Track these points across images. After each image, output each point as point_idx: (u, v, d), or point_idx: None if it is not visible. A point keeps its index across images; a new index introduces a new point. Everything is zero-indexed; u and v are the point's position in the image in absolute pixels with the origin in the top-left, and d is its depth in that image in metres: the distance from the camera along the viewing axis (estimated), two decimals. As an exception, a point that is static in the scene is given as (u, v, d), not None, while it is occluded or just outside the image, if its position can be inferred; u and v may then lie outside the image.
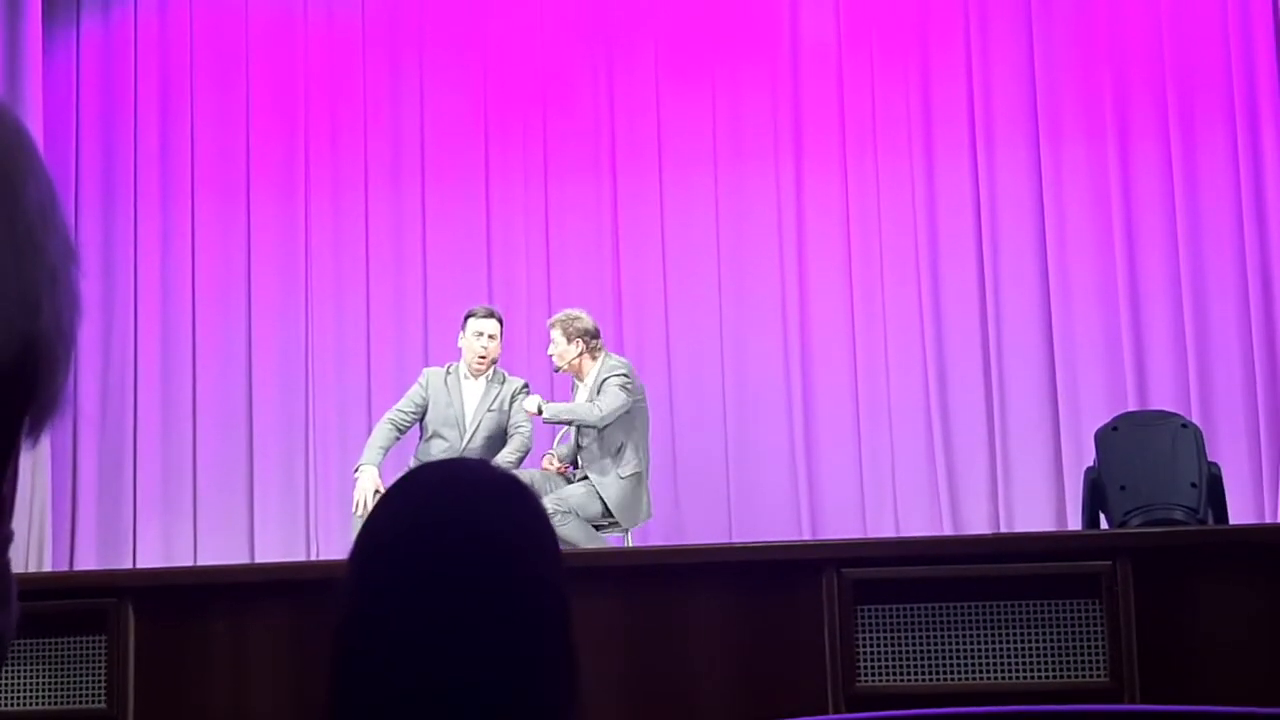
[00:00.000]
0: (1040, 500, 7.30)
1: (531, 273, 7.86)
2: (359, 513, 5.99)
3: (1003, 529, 7.22)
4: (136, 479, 7.85)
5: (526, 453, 6.25)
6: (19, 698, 4.39)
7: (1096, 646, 3.99)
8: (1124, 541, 4.36)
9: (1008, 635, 4.04)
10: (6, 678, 4.38)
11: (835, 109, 7.74)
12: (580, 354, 6.21)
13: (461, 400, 6.29)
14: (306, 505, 7.79)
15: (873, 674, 4.09)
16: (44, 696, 4.40)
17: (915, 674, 4.07)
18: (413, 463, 6.11)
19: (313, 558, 7.56)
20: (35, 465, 7.26)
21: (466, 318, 6.36)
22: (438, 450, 6.21)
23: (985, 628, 4.05)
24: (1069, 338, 7.42)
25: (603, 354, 6.25)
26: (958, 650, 4.05)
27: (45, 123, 7.73)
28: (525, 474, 5.99)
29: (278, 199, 8.04)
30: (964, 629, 4.06)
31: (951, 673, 4.05)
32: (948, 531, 7.22)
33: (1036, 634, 4.03)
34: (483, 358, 6.28)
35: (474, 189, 7.96)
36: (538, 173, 7.93)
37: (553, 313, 6.68)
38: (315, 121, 8.07)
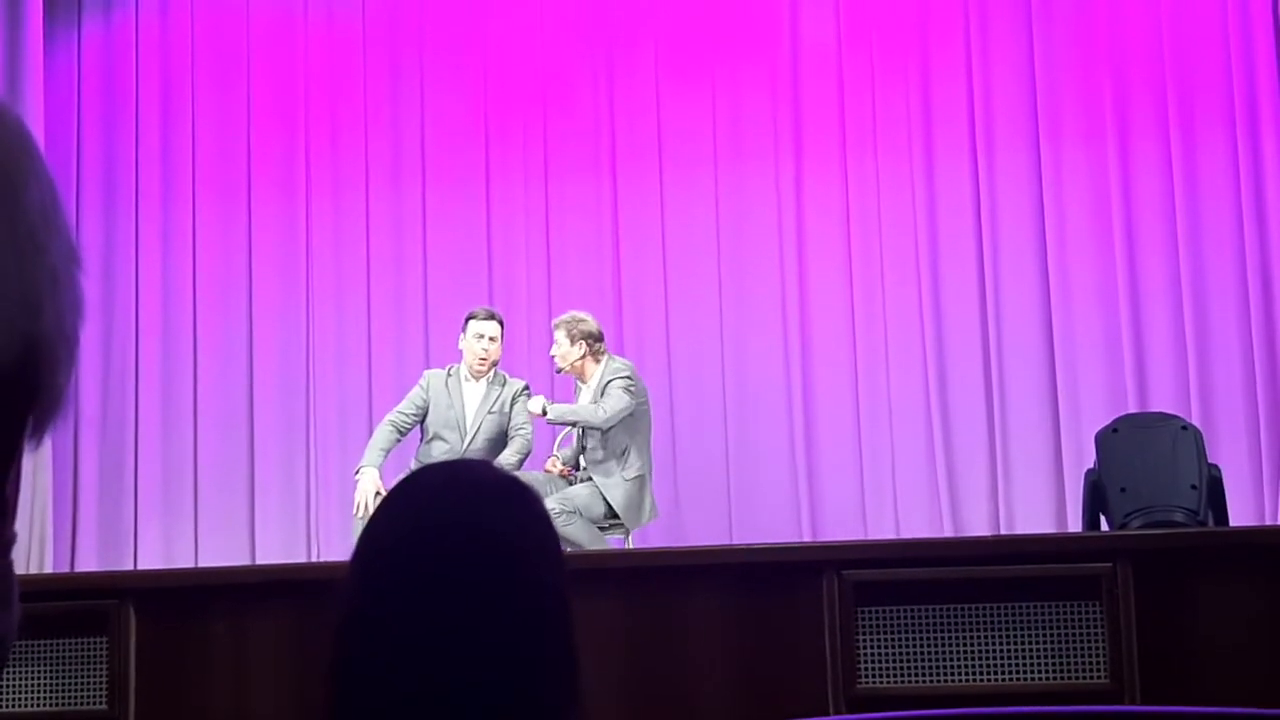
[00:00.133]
0: (1040, 501, 7.30)
1: (532, 273, 7.85)
2: (360, 514, 5.99)
3: (1003, 530, 7.21)
4: (137, 480, 7.84)
5: (527, 455, 6.24)
6: (20, 699, 4.39)
7: (1097, 648, 3.99)
8: (1124, 543, 4.36)
9: (1008, 637, 4.04)
10: (8, 679, 4.37)
11: (835, 109, 7.74)
12: (583, 356, 6.21)
13: (462, 402, 6.28)
14: (307, 506, 7.79)
15: (873, 675, 4.09)
16: (45, 697, 4.40)
17: (916, 676, 4.06)
18: (414, 465, 6.11)
19: (313, 559, 7.55)
20: (36, 466, 7.26)
21: (467, 320, 6.35)
22: (439, 452, 6.20)
23: (986, 629, 4.05)
24: (1069, 338, 7.42)
25: (606, 356, 6.24)
26: (958, 652, 4.05)
27: (46, 123, 7.73)
28: (527, 476, 5.98)
29: (278, 200, 8.04)
30: (965, 631, 4.06)
31: (952, 674, 4.04)
32: (948, 532, 7.23)
33: (1037, 635, 4.03)
34: (483, 360, 6.27)
35: (474, 189, 7.95)
36: (538, 173, 7.92)
37: (553, 313, 6.68)
38: (316, 122, 8.07)
